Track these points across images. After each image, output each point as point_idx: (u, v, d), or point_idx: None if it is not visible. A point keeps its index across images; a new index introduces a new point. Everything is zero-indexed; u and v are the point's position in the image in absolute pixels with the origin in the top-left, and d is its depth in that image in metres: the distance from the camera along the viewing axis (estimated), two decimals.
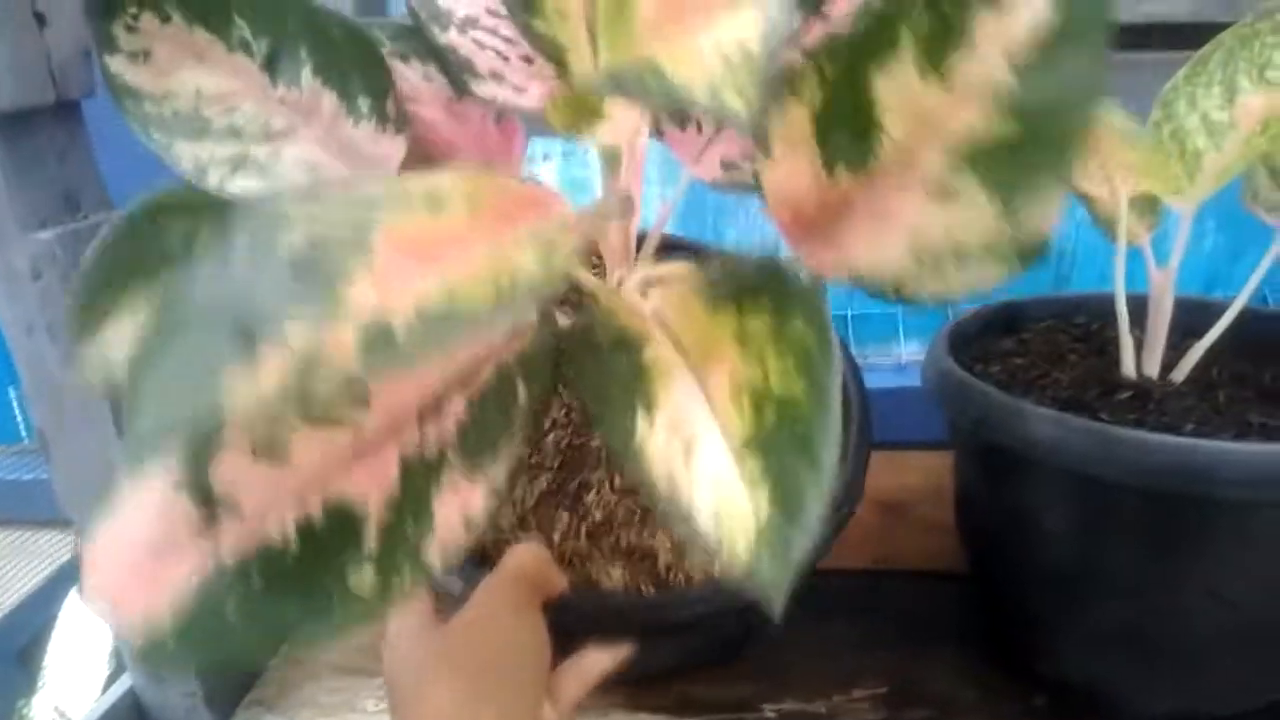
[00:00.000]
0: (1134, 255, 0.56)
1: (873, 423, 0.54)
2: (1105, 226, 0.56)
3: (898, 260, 0.31)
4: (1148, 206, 0.56)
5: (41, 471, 1.16)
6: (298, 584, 0.27)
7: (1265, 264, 0.54)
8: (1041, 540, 0.54)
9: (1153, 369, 0.57)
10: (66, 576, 0.98)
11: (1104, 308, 0.66)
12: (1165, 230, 0.57)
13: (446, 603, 0.42)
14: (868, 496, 0.82)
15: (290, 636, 0.27)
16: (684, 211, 1.18)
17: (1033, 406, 0.50)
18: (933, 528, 0.77)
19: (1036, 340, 0.64)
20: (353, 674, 0.64)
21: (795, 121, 0.33)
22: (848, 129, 0.32)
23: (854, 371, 0.56)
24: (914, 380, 1.31)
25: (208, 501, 0.27)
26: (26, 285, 0.49)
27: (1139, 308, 0.57)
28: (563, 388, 0.52)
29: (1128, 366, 0.56)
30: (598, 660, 0.42)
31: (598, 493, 0.49)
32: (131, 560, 0.26)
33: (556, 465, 0.50)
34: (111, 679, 0.84)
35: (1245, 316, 0.55)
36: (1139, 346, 0.57)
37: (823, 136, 0.32)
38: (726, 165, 0.43)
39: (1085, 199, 0.56)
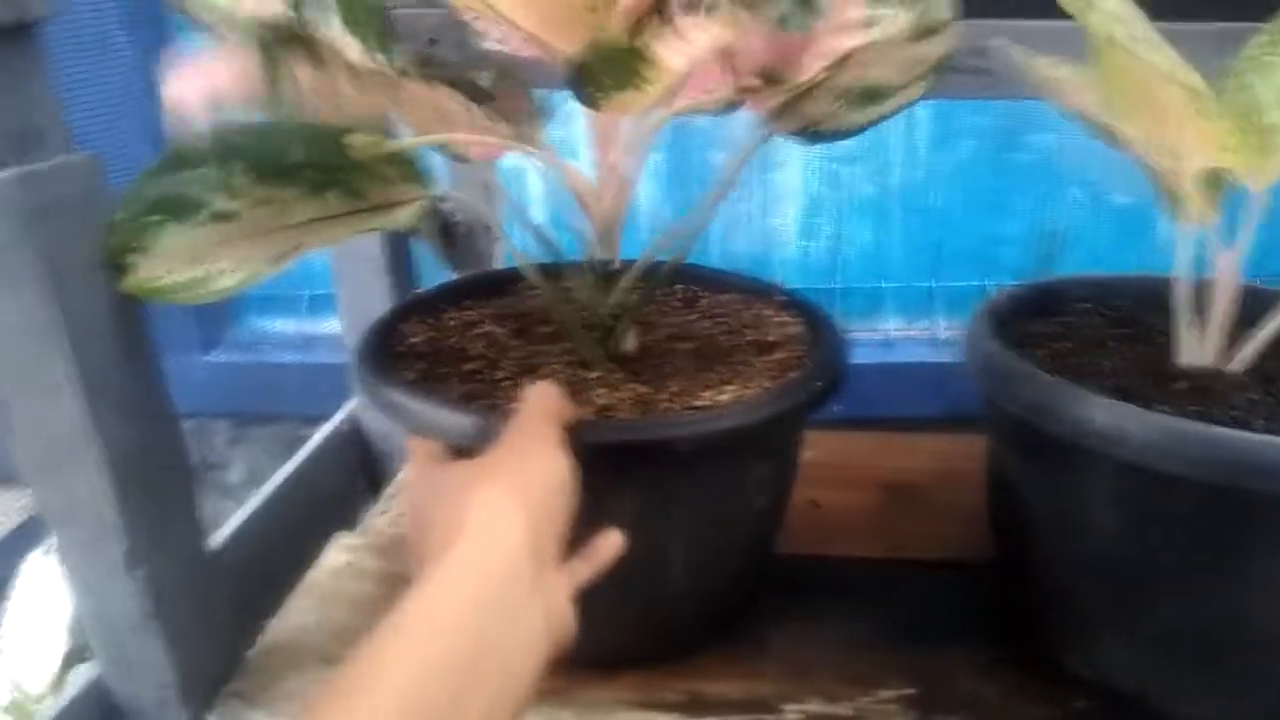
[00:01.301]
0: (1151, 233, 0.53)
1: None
2: (1170, 203, 0.52)
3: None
4: (1214, 183, 0.52)
5: None
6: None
7: None
8: (1088, 533, 0.51)
9: (1206, 358, 0.54)
10: (20, 540, 0.92)
11: (1143, 290, 0.63)
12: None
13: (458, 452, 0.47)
14: (875, 479, 0.79)
15: None
16: (669, 184, 1.16)
17: (1091, 394, 0.47)
18: (946, 513, 0.74)
19: (1077, 323, 0.60)
20: (336, 664, 0.59)
21: None
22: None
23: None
24: (902, 356, 1.29)
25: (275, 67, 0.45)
26: None
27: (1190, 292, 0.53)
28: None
29: (1184, 355, 0.53)
30: (608, 544, 0.44)
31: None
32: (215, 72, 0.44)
33: None
34: (71, 655, 0.79)
35: None
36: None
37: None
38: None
39: (1150, 174, 0.52)
